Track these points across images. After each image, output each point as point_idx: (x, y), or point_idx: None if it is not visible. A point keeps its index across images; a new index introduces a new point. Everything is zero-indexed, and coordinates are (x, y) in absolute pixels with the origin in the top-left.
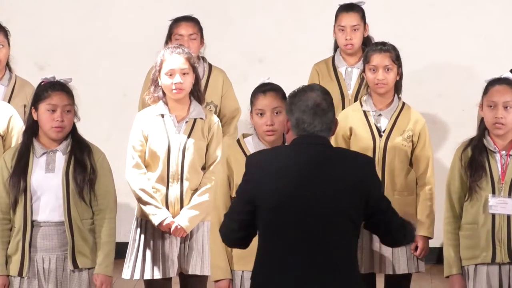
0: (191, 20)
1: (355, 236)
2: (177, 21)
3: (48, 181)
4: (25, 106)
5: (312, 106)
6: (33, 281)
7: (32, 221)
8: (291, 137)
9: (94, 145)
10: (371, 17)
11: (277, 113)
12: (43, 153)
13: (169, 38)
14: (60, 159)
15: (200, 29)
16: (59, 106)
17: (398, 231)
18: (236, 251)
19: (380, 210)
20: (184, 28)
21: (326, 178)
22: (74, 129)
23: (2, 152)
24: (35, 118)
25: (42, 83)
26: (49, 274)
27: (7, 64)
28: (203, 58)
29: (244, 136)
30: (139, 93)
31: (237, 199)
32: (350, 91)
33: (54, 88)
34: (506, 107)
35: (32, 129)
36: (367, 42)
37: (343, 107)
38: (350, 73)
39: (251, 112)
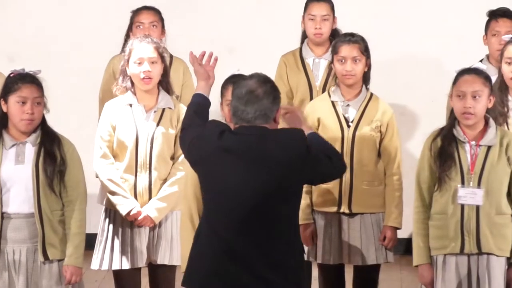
0: (152, 9)
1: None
2: (138, 10)
3: (18, 173)
4: None
5: (245, 93)
6: (3, 273)
7: (2, 213)
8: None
9: (64, 136)
10: (340, 8)
11: None
12: (13, 145)
13: (130, 29)
14: (30, 150)
15: (161, 19)
16: (29, 98)
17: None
18: None
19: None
20: (145, 16)
21: (257, 165)
22: (43, 121)
23: None
24: (4, 110)
25: (11, 75)
26: (20, 266)
27: None
28: (164, 48)
29: None
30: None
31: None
32: (318, 82)
33: (24, 80)
34: (475, 97)
35: (1, 121)
36: (335, 34)
37: (311, 98)
38: (318, 64)
39: (221, 103)
